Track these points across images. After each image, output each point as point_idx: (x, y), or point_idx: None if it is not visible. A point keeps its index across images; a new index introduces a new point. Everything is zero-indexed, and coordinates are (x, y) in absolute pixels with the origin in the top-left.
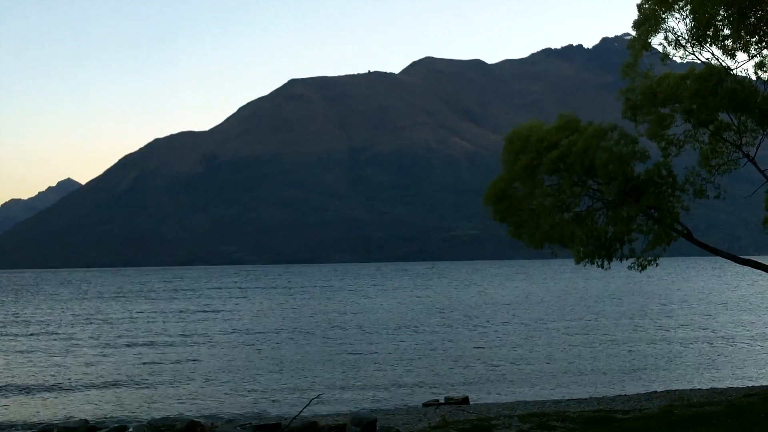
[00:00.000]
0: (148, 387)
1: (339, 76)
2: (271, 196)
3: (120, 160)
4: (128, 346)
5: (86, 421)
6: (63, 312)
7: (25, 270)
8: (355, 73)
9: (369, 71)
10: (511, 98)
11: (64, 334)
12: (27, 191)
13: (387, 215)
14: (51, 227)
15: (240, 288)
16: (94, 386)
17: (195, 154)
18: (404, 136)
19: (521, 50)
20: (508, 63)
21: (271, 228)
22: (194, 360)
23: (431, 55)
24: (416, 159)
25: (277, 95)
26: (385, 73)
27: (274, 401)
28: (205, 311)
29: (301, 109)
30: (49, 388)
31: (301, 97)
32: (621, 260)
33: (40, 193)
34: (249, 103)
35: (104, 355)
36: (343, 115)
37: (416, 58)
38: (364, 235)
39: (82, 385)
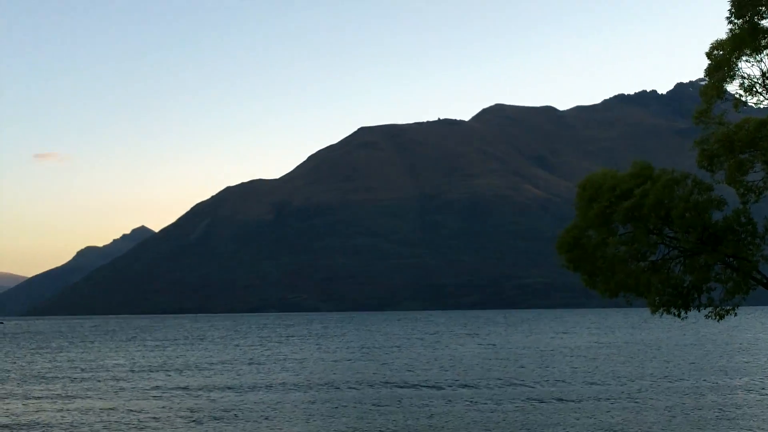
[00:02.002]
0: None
1: (408, 124)
2: (341, 244)
3: (192, 208)
4: (208, 390)
5: None
6: (141, 358)
7: (100, 316)
8: (425, 120)
9: (439, 118)
10: (583, 145)
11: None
12: (102, 239)
13: (457, 262)
14: (125, 274)
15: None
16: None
17: (266, 202)
18: (475, 183)
19: (593, 96)
20: (579, 109)
21: (341, 275)
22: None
23: (501, 102)
24: (487, 206)
25: (347, 143)
26: (455, 120)
27: None
28: (283, 359)
29: (371, 157)
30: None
31: (370, 145)
32: (699, 309)
33: (114, 240)
34: (319, 151)
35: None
36: (413, 162)
37: (486, 105)
38: (434, 282)
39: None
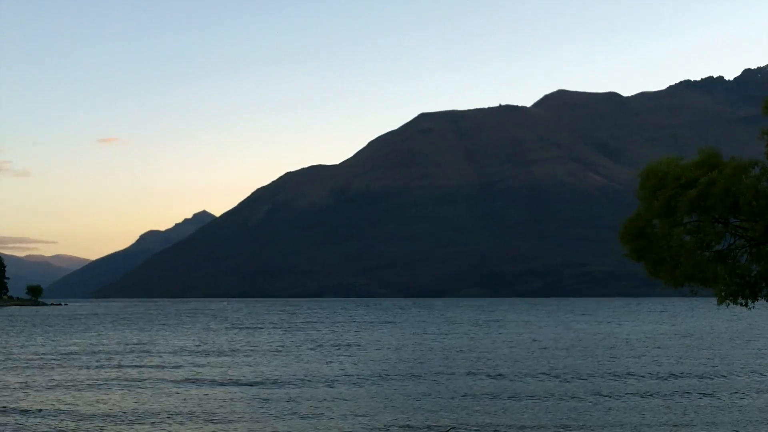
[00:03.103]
0: (282, 421)
1: (469, 110)
2: (401, 230)
3: (253, 193)
4: (273, 383)
5: None
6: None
7: (160, 299)
8: (486, 106)
9: (500, 104)
10: (647, 132)
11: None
12: (164, 223)
13: (517, 250)
14: (186, 258)
15: (392, 322)
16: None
17: (325, 188)
18: (536, 170)
19: (658, 82)
20: (644, 96)
21: (400, 261)
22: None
23: (564, 88)
24: (548, 193)
25: (408, 129)
26: (517, 106)
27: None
28: (346, 345)
29: (431, 143)
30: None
31: (431, 131)
32: (767, 299)
33: (176, 224)
34: (379, 137)
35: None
36: (474, 148)
37: (548, 91)
38: (493, 269)
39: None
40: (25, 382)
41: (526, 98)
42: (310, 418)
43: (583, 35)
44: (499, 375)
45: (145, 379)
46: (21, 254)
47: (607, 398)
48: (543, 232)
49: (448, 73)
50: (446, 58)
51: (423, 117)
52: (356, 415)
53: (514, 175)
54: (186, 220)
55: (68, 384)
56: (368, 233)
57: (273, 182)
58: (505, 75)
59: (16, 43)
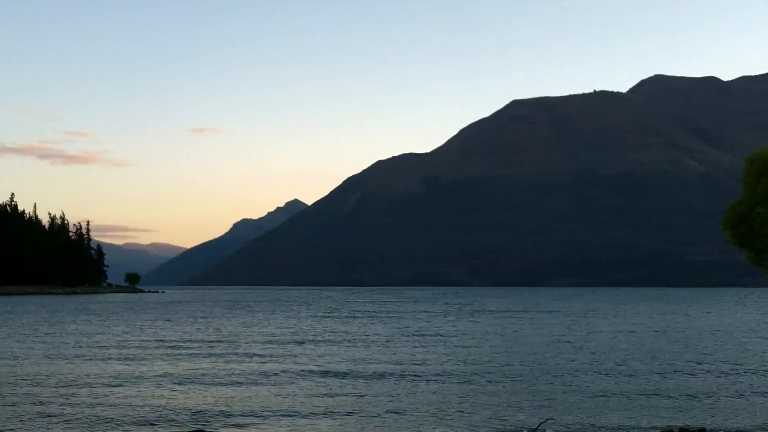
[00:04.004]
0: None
1: (562, 96)
2: (493, 218)
3: (344, 182)
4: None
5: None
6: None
7: (253, 287)
8: (580, 92)
9: (594, 90)
10: (748, 117)
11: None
12: (257, 211)
13: (612, 239)
14: (278, 246)
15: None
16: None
17: (416, 176)
18: (631, 157)
19: (760, 66)
20: (744, 80)
21: (492, 250)
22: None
23: (661, 73)
24: (644, 181)
25: (499, 116)
26: (611, 92)
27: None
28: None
29: (524, 130)
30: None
31: (523, 118)
32: None
33: (269, 213)
34: (471, 125)
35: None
36: (567, 135)
37: (644, 76)
38: (587, 258)
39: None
40: (132, 371)
41: (622, 84)
42: (405, 413)
43: (680, 18)
44: (610, 369)
45: (240, 372)
46: (119, 242)
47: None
48: (639, 220)
49: (541, 60)
50: (539, 44)
51: (515, 104)
52: (450, 408)
53: (609, 163)
54: (278, 209)
55: (169, 374)
56: (459, 221)
57: (364, 171)
58: (599, 60)
59: (112, 36)
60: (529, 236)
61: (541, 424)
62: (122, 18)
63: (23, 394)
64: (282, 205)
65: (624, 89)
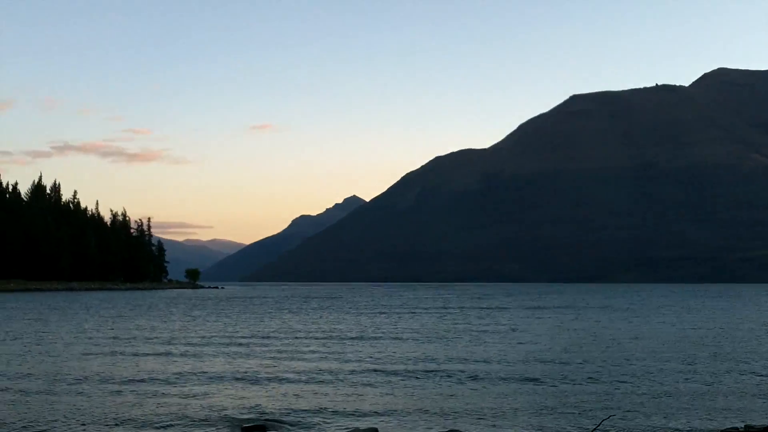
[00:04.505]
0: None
1: (623, 91)
2: (553, 214)
3: (402, 178)
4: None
5: (375, 429)
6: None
7: (312, 283)
8: (641, 86)
9: (656, 84)
10: None
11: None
12: (316, 207)
13: (676, 234)
14: (336, 242)
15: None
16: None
17: (475, 172)
18: (695, 151)
19: None
20: None
21: (552, 246)
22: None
23: (724, 66)
24: (708, 175)
25: (559, 111)
26: (674, 86)
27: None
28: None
29: (584, 125)
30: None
31: (583, 113)
32: None
33: (327, 209)
34: (530, 120)
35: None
36: (628, 130)
37: (708, 70)
38: (651, 254)
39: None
40: (196, 367)
41: (684, 77)
42: (461, 413)
43: (744, 11)
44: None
45: (301, 369)
46: (180, 239)
47: None
48: (703, 215)
49: (601, 53)
50: (599, 38)
51: (575, 99)
52: (508, 406)
53: (672, 157)
54: (336, 205)
55: (232, 371)
56: (519, 217)
57: (422, 167)
58: (661, 53)
59: (172, 35)
60: (589, 232)
61: (603, 421)
62: (182, 17)
63: (88, 391)
64: (340, 201)
65: (687, 83)
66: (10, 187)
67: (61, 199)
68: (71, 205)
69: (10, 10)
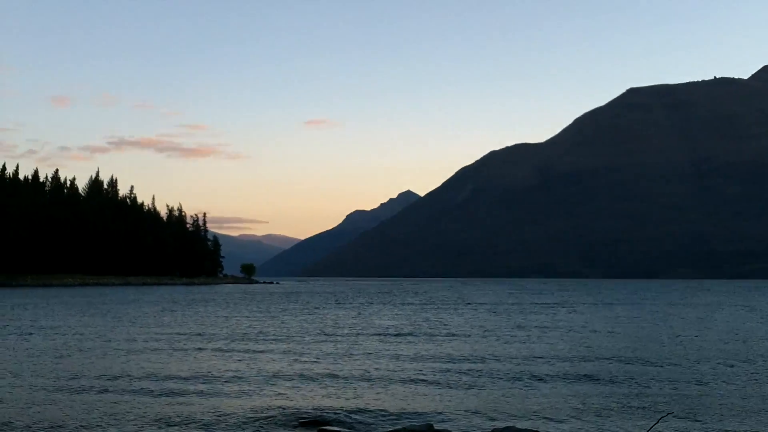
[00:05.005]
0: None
1: (681, 84)
2: (608, 208)
3: (457, 173)
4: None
5: (431, 425)
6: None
7: (366, 278)
8: (700, 79)
9: (714, 77)
10: None
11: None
12: (370, 202)
13: (734, 229)
14: (391, 237)
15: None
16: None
17: (530, 166)
18: (755, 145)
19: None
20: None
21: (609, 241)
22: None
23: None
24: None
25: (615, 105)
26: (733, 78)
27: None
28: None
29: (641, 119)
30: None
31: (640, 107)
32: None
33: (382, 204)
34: (585, 114)
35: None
36: (686, 124)
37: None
38: (709, 249)
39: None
40: (253, 364)
41: (744, 70)
42: (522, 414)
43: None
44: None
45: (357, 366)
46: (235, 234)
47: None
48: (763, 210)
49: (658, 46)
50: (656, 30)
51: (632, 92)
52: (564, 405)
53: (731, 151)
54: (391, 200)
55: (290, 368)
56: (574, 212)
57: (477, 161)
58: (720, 46)
59: (227, 32)
60: (646, 226)
61: (660, 419)
62: (239, 14)
63: (144, 388)
64: (395, 196)
65: (746, 75)
66: (68, 183)
67: (117, 194)
68: (128, 200)
69: (69, 8)
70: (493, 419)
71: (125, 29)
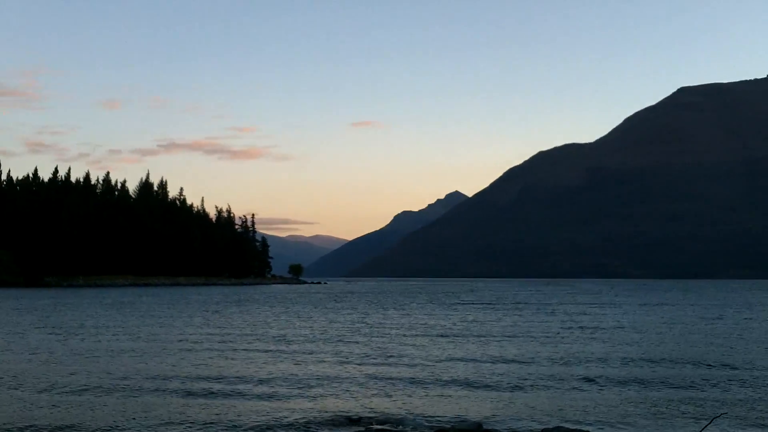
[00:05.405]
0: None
1: (733, 83)
2: (660, 209)
3: (505, 173)
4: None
5: (480, 424)
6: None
7: (414, 279)
8: (752, 78)
9: (767, 76)
10: None
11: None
12: (417, 203)
13: None
14: (438, 238)
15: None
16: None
17: (579, 167)
18: None
19: None
20: None
21: (660, 242)
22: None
23: None
24: None
25: (666, 104)
26: None
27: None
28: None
29: (692, 118)
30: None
31: (692, 106)
32: None
33: (429, 205)
34: (636, 113)
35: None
36: (739, 123)
37: None
38: (761, 250)
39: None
40: (317, 367)
41: None
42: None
43: None
44: None
45: (407, 366)
46: (283, 235)
47: None
48: None
49: (710, 44)
50: (707, 27)
51: (683, 91)
52: (613, 406)
53: None
54: (438, 201)
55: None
56: (624, 213)
57: (525, 162)
58: None
59: (274, 34)
60: (698, 227)
61: (714, 419)
62: (286, 18)
63: (196, 390)
64: (442, 197)
65: None
66: (119, 185)
67: (167, 195)
68: (177, 201)
69: (120, 14)
70: (542, 421)
71: (175, 33)
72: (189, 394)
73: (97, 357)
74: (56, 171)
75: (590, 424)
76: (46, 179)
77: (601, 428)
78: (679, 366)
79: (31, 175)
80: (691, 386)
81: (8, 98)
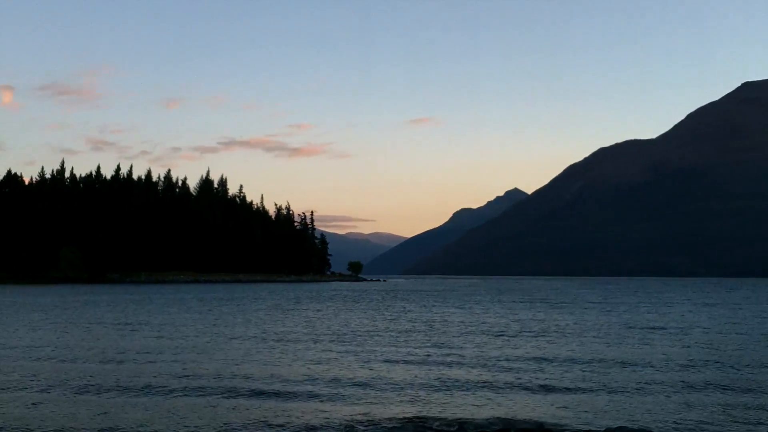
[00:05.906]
0: (598, 394)
1: None
2: (723, 206)
3: (565, 170)
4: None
5: (541, 424)
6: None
7: (473, 277)
8: None
9: None
10: None
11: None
12: (477, 200)
13: None
14: (498, 236)
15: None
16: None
17: (641, 163)
18: None
19: None
20: None
21: (723, 239)
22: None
23: None
24: None
25: (730, 99)
26: None
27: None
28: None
29: (757, 114)
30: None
31: (756, 101)
32: None
33: (488, 202)
34: (699, 109)
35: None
36: None
37: None
38: None
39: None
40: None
41: None
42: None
43: None
44: None
45: (470, 371)
46: (342, 232)
47: None
48: None
49: None
50: None
51: (747, 86)
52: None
53: None
54: (498, 198)
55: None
56: (687, 210)
57: (585, 158)
58: None
59: (333, 34)
60: (764, 224)
61: None
62: (343, 17)
63: (255, 392)
64: (502, 194)
65: None
66: (180, 182)
67: (227, 193)
68: (237, 199)
69: (180, 16)
70: (603, 421)
71: (234, 33)
72: (243, 394)
73: (159, 355)
74: (118, 169)
75: (655, 426)
76: (108, 177)
77: (664, 428)
78: (746, 370)
79: (93, 173)
80: (756, 391)
81: (71, 98)
